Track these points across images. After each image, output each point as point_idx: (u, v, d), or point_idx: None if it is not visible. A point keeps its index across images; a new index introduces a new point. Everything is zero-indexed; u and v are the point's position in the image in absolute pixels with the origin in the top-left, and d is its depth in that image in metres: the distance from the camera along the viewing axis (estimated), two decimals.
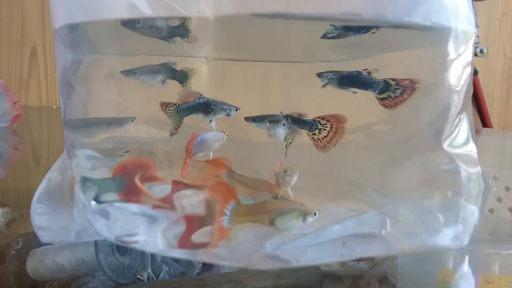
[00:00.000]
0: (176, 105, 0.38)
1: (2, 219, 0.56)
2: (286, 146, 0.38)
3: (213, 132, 0.39)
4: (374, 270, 0.51)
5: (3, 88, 0.99)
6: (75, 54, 0.37)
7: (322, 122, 0.38)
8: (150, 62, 0.39)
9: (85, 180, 0.36)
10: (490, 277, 0.40)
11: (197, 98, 0.37)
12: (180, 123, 0.38)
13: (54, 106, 1.29)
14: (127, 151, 0.40)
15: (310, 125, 0.38)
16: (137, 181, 0.36)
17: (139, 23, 0.34)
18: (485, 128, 1.31)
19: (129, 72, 0.39)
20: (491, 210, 0.67)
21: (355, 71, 0.38)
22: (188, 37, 0.34)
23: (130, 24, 0.34)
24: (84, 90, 0.38)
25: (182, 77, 0.39)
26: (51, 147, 0.95)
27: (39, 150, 0.94)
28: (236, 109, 0.38)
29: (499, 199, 0.68)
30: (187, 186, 0.37)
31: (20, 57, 1.28)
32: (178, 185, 0.37)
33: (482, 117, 1.48)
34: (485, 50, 1.53)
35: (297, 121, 0.38)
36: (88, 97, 0.39)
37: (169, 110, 0.38)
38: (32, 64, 1.29)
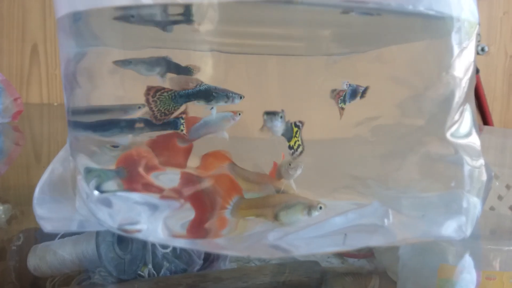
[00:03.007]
0: (172, 91, 0.36)
1: (3, 216, 0.56)
2: (291, 146, 0.36)
3: (219, 112, 0.37)
4: (374, 267, 0.51)
5: (4, 84, 0.99)
6: (78, 45, 0.37)
7: None
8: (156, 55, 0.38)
9: (88, 171, 0.36)
10: (491, 273, 0.40)
11: (197, 85, 0.36)
12: (175, 110, 0.36)
13: (55, 103, 1.29)
14: (117, 146, 0.39)
15: None
16: (141, 170, 0.36)
17: (133, 17, 0.34)
18: (486, 126, 1.31)
19: (124, 62, 0.37)
20: (492, 208, 0.67)
21: None
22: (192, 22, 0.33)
23: (123, 17, 0.34)
24: (88, 83, 0.38)
25: (186, 72, 0.38)
26: (52, 144, 0.96)
27: (40, 147, 0.94)
28: (240, 97, 0.36)
29: (500, 197, 0.68)
30: (195, 177, 0.36)
31: (21, 54, 1.28)
32: (187, 176, 0.36)
33: (483, 115, 1.48)
34: (486, 48, 1.53)
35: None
36: (92, 90, 0.38)
37: (160, 96, 0.36)
38: (33, 61, 1.29)
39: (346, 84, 0.38)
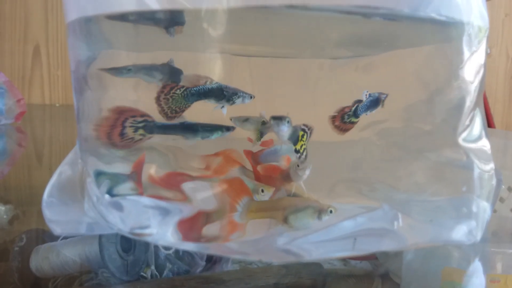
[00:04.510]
0: (184, 89, 0.35)
1: (5, 216, 0.56)
2: (297, 150, 0.36)
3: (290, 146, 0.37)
4: (377, 270, 0.51)
5: (8, 85, 0.99)
6: (89, 49, 0.37)
7: None
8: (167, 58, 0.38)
9: (99, 174, 0.36)
10: (495, 276, 0.40)
11: (209, 83, 0.35)
12: (186, 108, 0.36)
13: (57, 104, 1.29)
14: None
15: None
16: (152, 172, 0.35)
17: (135, 19, 0.33)
18: (488, 128, 1.31)
19: (120, 71, 0.36)
20: (493, 210, 0.67)
21: None
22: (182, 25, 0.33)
23: (121, 17, 0.34)
24: (99, 86, 0.38)
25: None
26: (54, 145, 0.96)
27: (42, 148, 0.94)
28: (251, 97, 0.36)
29: (502, 200, 0.68)
30: (182, 175, 0.36)
31: (23, 55, 1.28)
32: (172, 176, 0.36)
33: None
34: (488, 50, 1.53)
35: None
36: (103, 93, 0.38)
37: (174, 93, 0.35)
38: (35, 62, 1.29)
39: (366, 94, 0.38)
